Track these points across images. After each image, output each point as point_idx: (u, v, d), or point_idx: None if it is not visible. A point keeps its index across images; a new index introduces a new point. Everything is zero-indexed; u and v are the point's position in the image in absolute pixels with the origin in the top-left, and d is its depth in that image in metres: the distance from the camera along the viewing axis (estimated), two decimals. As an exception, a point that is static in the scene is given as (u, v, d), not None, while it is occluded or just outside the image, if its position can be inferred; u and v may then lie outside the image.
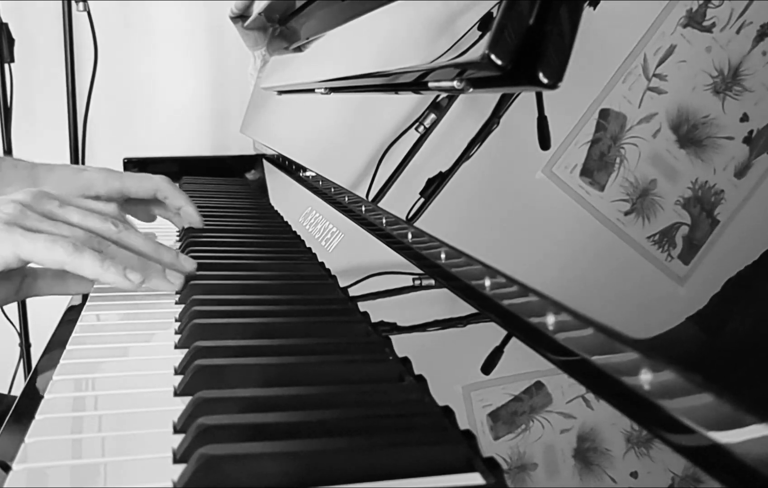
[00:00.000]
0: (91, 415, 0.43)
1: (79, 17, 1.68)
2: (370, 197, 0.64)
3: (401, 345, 0.51)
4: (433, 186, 0.53)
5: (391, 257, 0.59)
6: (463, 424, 0.40)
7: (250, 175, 1.49)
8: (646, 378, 0.29)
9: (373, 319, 0.57)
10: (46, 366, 0.49)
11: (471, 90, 0.48)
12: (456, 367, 0.46)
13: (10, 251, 0.56)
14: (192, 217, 0.84)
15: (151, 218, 0.89)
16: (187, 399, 0.42)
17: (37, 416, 0.41)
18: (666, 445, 0.28)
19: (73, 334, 0.55)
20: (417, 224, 0.53)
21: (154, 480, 0.35)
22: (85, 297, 0.65)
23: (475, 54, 0.44)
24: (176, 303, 0.63)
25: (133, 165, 1.40)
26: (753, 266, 0.27)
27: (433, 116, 0.57)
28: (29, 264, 0.61)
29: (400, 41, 0.66)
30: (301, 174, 1.07)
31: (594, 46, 0.41)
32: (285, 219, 0.99)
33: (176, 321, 0.59)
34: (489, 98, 0.49)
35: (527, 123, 0.44)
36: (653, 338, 0.30)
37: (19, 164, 0.83)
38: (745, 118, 0.30)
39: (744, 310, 0.27)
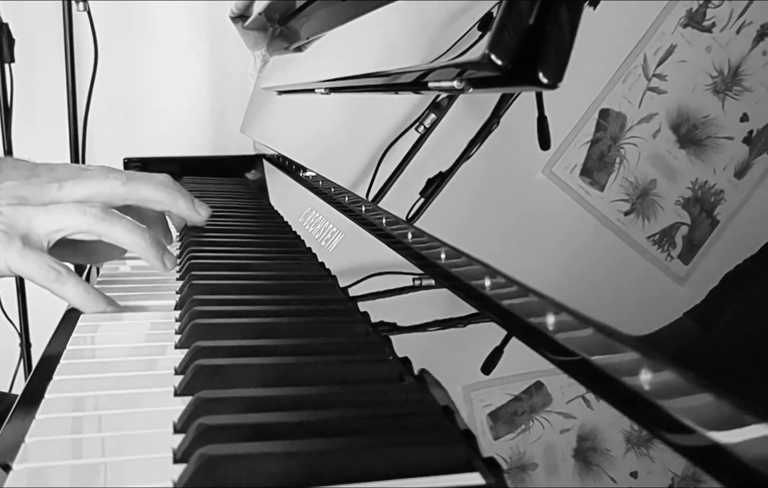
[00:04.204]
0: (91, 415, 0.43)
1: (79, 17, 1.68)
2: (370, 197, 0.64)
3: (401, 345, 0.51)
4: (433, 186, 0.53)
5: (391, 257, 0.59)
6: (463, 424, 0.40)
7: (250, 175, 1.49)
8: (646, 378, 0.29)
9: (373, 319, 0.57)
10: (46, 366, 0.49)
11: (471, 90, 0.48)
12: (456, 367, 0.46)
13: (3, 264, 0.58)
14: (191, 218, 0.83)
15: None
16: (187, 399, 0.42)
17: (37, 416, 0.41)
18: (666, 445, 0.28)
19: (74, 334, 0.55)
20: (417, 224, 0.53)
21: (154, 480, 0.35)
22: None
23: (475, 54, 0.44)
24: (176, 304, 0.63)
25: (134, 165, 1.40)
26: (751, 260, 0.27)
27: (433, 116, 0.57)
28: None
29: (400, 41, 0.66)
30: (301, 174, 1.07)
31: (594, 46, 0.41)
32: (285, 219, 0.99)
33: (176, 321, 0.59)
34: (489, 98, 0.49)
35: (527, 123, 0.44)
36: (651, 334, 0.30)
37: (20, 164, 0.83)
38: (745, 118, 0.30)
39: (742, 305, 0.27)
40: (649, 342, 0.30)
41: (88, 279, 0.74)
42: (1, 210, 0.60)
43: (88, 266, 0.77)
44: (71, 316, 0.60)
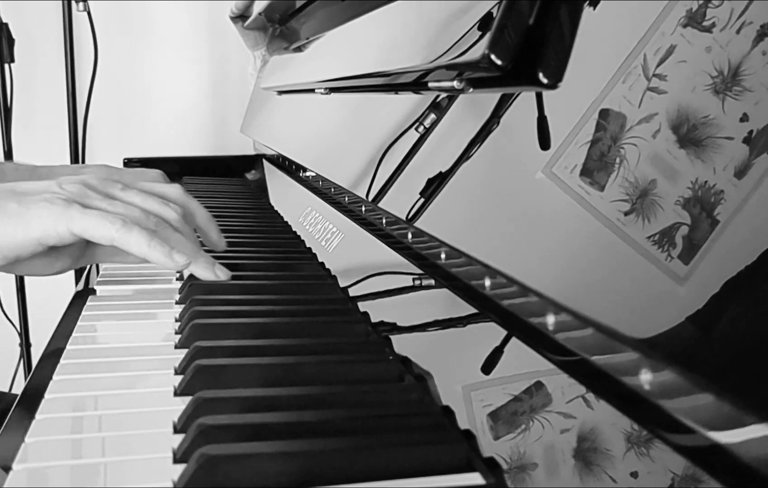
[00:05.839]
0: (91, 415, 0.43)
1: (79, 17, 1.68)
2: (370, 197, 0.64)
3: (401, 345, 0.51)
4: (433, 186, 0.53)
5: (391, 257, 0.59)
6: (463, 424, 0.40)
7: (250, 175, 1.49)
8: (646, 378, 0.29)
9: (373, 319, 0.57)
10: (46, 366, 0.49)
11: (471, 90, 0.48)
12: (456, 367, 0.46)
13: (65, 227, 0.58)
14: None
15: None
16: (187, 399, 0.42)
17: (37, 416, 0.41)
18: (666, 445, 0.28)
19: (73, 334, 0.55)
20: (417, 224, 0.53)
21: (154, 480, 0.35)
22: (85, 297, 0.65)
23: (475, 54, 0.44)
24: (176, 303, 0.63)
25: (134, 165, 1.40)
26: (752, 266, 0.27)
27: (433, 116, 0.57)
28: None
29: (400, 41, 0.66)
30: (301, 174, 1.07)
31: (594, 46, 0.41)
32: (285, 219, 0.99)
33: (176, 321, 0.59)
34: (489, 98, 0.49)
35: (527, 123, 0.44)
36: (652, 338, 0.30)
37: (20, 167, 0.84)
38: (745, 118, 0.30)
39: (742, 310, 0.27)
40: (651, 346, 0.30)
41: (88, 276, 0.74)
42: (62, 184, 0.60)
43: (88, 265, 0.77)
44: (71, 316, 0.60)
